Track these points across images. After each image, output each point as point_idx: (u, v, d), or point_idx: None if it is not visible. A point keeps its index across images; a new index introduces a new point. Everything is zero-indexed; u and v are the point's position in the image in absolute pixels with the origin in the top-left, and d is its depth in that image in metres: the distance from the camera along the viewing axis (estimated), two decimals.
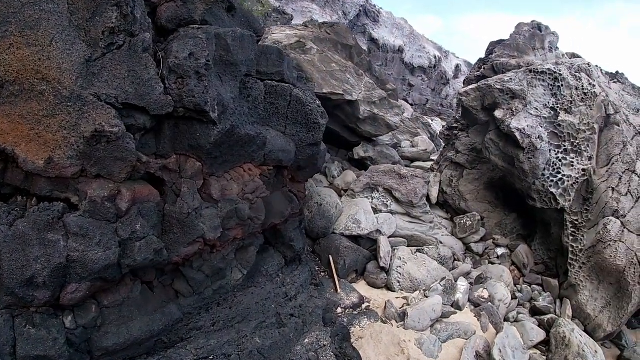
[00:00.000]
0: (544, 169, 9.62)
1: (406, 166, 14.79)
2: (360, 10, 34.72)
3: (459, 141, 11.99)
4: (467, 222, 11.42)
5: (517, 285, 10.56)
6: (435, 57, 36.61)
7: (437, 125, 29.09)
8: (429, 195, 11.99)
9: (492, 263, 11.11)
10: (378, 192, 11.46)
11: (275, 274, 7.25)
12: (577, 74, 10.36)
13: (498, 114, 9.64)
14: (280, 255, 7.47)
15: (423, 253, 10.52)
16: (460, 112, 11.79)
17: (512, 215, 11.79)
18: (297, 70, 11.30)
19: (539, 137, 9.41)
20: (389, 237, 10.77)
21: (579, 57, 13.28)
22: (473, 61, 41.77)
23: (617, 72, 13.20)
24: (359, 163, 13.74)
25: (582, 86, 10.19)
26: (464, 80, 12.99)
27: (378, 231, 10.58)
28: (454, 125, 12.40)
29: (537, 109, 9.88)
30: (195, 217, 5.50)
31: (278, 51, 6.94)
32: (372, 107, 12.66)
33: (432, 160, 15.55)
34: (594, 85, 10.30)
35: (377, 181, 11.54)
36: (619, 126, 10.10)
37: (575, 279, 9.67)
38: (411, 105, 34.44)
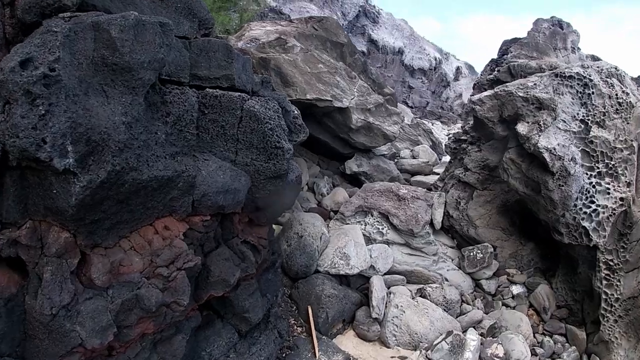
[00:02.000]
0: (577, 199, 7.16)
1: (406, 181, 12.34)
2: (359, 11, 32.29)
3: (468, 157, 9.54)
4: (478, 255, 8.97)
5: (537, 335, 8.14)
6: (435, 59, 34.14)
7: (438, 129, 26.70)
8: (432, 219, 9.54)
9: (507, 305, 8.70)
10: (372, 216, 9.07)
11: (223, 356, 4.86)
12: (608, 80, 7.92)
13: (521, 128, 7.19)
14: (232, 329, 5.06)
15: (425, 297, 8.13)
16: (472, 123, 9.35)
17: (529, 245, 9.35)
18: (276, 73, 8.86)
19: (572, 160, 6.98)
20: (384, 275, 8.38)
21: (599, 59, 10.78)
22: (474, 63, 39.35)
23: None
24: (353, 178, 11.31)
25: (616, 94, 7.75)
26: (474, 84, 10.54)
27: (371, 267, 8.20)
28: (462, 137, 9.95)
29: (565, 122, 7.43)
30: (65, 318, 3.15)
31: (225, 47, 4.58)
32: (367, 115, 10.21)
33: (435, 173, 13.11)
34: (627, 94, 7.83)
35: (371, 203, 9.14)
36: None
37: (609, 334, 7.26)
38: (411, 108, 32.08)
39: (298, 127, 6.18)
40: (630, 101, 7.79)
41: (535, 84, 7.33)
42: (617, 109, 7.68)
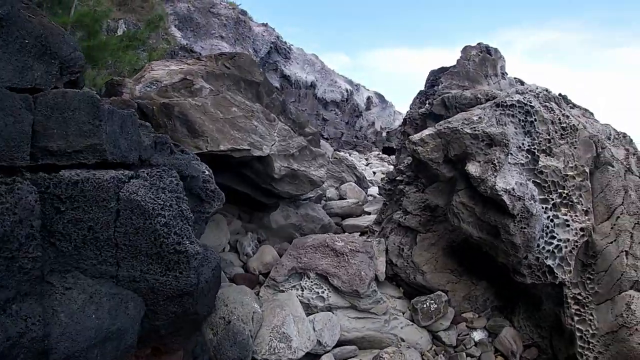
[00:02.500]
0: (539, 238, 6.28)
1: (337, 225, 11.09)
2: (271, 47, 31.47)
3: (406, 199, 8.50)
4: (432, 306, 7.84)
5: None
6: (347, 91, 34.07)
7: (355, 158, 26.14)
8: (375, 272, 8.30)
9: (471, 355, 7.60)
10: (309, 279, 7.68)
11: None
12: (547, 104, 7.29)
13: (473, 169, 6.22)
14: None
15: None
16: (408, 163, 8.36)
17: (482, 284, 8.41)
18: (182, 122, 7.29)
19: (532, 198, 6.10)
20: (332, 349, 6.97)
21: (524, 83, 10.41)
22: (383, 92, 39.90)
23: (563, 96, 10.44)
24: (282, 231, 9.85)
25: (559, 119, 7.12)
26: (405, 120, 9.63)
27: (317, 343, 6.76)
28: (397, 177, 8.92)
29: (512, 155, 6.59)
30: None
31: (89, 102, 3.03)
32: (290, 162, 8.90)
33: (366, 212, 12.02)
34: (567, 117, 7.25)
35: (305, 263, 7.75)
36: (612, 167, 7.06)
37: None
38: (326, 139, 31.49)
39: (210, 195, 4.73)
40: (573, 124, 7.17)
41: (480, 118, 6.45)
42: (561, 134, 7.02)
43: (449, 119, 6.74)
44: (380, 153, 32.28)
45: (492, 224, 6.28)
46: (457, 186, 6.76)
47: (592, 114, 8.23)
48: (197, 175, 4.72)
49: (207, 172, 5.64)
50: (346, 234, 10.62)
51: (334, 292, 7.56)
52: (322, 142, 17.40)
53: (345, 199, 12.52)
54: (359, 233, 10.44)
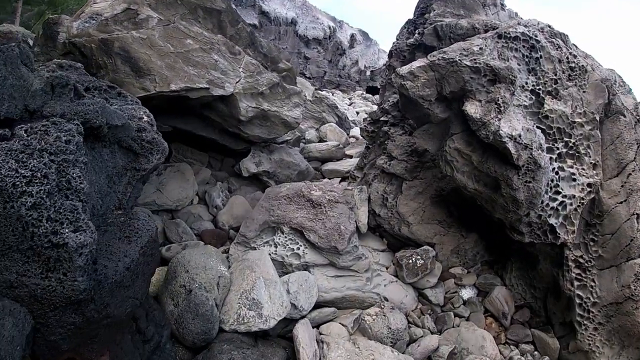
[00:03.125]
0: (544, 193, 5.27)
1: (316, 171, 9.98)
2: None
3: (391, 142, 7.36)
4: (418, 262, 6.96)
5: (502, 349, 6.37)
6: (329, 28, 31.97)
7: (339, 98, 24.73)
8: (356, 223, 7.32)
9: (460, 316, 6.83)
10: (283, 234, 6.68)
11: None
12: (553, 40, 6.07)
13: (472, 110, 5.05)
14: None
15: (365, 331, 6.04)
16: (394, 102, 7.15)
17: (472, 236, 7.53)
18: (124, 59, 5.96)
19: (539, 147, 5.00)
20: (309, 312, 6.10)
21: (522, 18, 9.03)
22: (368, 30, 37.68)
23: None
24: (255, 179, 8.73)
25: (567, 58, 5.93)
26: (391, 52, 8.26)
27: (292, 306, 5.85)
28: (382, 118, 7.72)
29: (515, 95, 5.42)
30: None
31: None
32: (260, 101, 7.62)
33: (348, 156, 10.90)
34: (575, 56, 6.04)
35: (279, 216, 6.72)
36: (624, 116, 5.95)
37: (589, 344, 5.63)
38: (308, 79, 29.79)
39: (147, 146, 3.55)
40: (582, 65, 5.99)
41: (481, 49, 5.20)
42: (569, 75, 5.85)
43: (444, 49, 5.48)
44: (364, 92, 30.72)
45: (492, 176, 5.22)
46: (451, 129, 5.61)
47: (593, 58, 7.00)
48: (124, 123, 3.52)
49: (145, 119, 4.41)
50: (325, 180, 9.55)
51: (310, 249, 6.59)
52: (301, 80, 15.93)
53: (325, 141, 11.34)
54: (340, 179, 9.37)
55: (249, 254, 6.39)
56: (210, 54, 7.08)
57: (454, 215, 7.56)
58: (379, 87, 13.95)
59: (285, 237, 6.65)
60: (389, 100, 7.59)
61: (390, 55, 8.23)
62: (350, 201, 7.16)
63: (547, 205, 5.34)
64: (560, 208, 5.48)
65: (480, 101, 5.08)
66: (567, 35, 6.41)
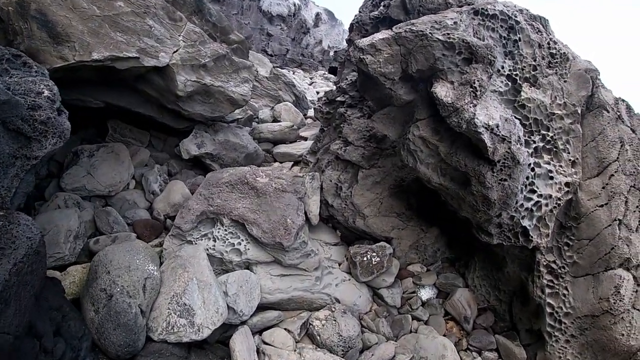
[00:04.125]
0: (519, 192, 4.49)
1: (267, 153, 8.93)
2: None
3: (348, 125, 6.41)
4: (374, 259, 6.12)
5: (462, 352, 5.67)
6: (294, 5, 30.40)
7: (300, 77, 23.61)
8: (307, 212, 6.39)
9: (418, 319, 6.08)
10: (222, 226, 5.69)
11: None
12: (533, 24, 5.25)
13: (442, 92, 4.13)
14: None
15: (314, 337, 5.24)
16: (353, 80, 6.16)
17: (433, 230, 6.77)
18: (41, 23, 4.75)
19: (518, 141, 4.18)
20: (250, 317, 5.18)
21: None
22: (333, 9, 36.33)
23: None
24: (198, 162, 7.61)
25: (547, 43, 5.13)
26: (352, 25, 7.17)
27: (231, 310, 4.93)
28: (338, 98, 6.73)
29: (491, 80, 4.56)
30: None
31: None
32: (202, 74, 6.47)
33: (302, 138, 9.89)
34: (556, 43, 5.26)
35: (219, 206, 5.71)
36: (607, 111, 5.22)
37: (560, 357, 4.99)
38: (270, 56, 28.33)
39: (40, 128, 2.49)
40: (563, 52, 5.21)
41: (455, 23, 4.28)
42: (549, 62, 5.06)
43: (412, 21, 4.52)
44: (326, 73, 29.52)
45: (462, 170, 4.36)
46: (416, 114, 4.69)
47: (570, 48, 6.25)
48: (8, 99, 2.42)
49: (46, 93, 3.28)
50: (276, 164, 8.54)
51: (253, 244, 5.63)
52: (259, 55, 14.65)
53: (279, 121, 10.27)
54: (292, 163, 8.39)
55: (183, 250, 5.38)
56: (144, 18, 5.85)
57: (413, 207, 6.76)
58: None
59: (225, 230, 5.65)
60: (346, 79, 6.59)
61: (351, 28, 7.19)
62: (300, 190, 6.21)
63: (522, 205, 4.56)
64: (535, 209, 4.72)
65: (452, 83, 4.18)
66: (547, 20, 5.61)
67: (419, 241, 6.73)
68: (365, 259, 6.13)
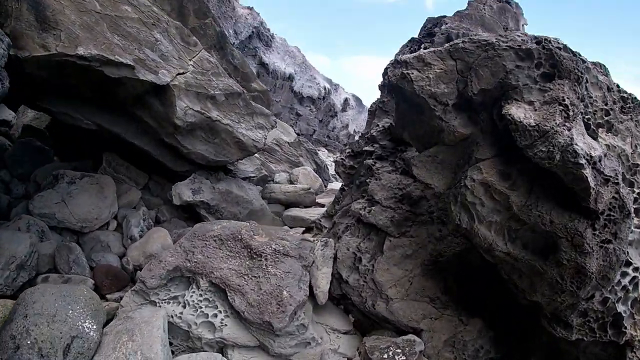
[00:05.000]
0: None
1: (276, 216, 7.56)
2: (252, 32, 27.97)
3: (376, 180, 5.11)
4: (397, 357, 4.47)
5: None
6: (325, 89, 30.95)
7: (324, 155, 23.01)
8: (313, 287, 4.84)
9: None
10: (198, 289, 4.27)
11: None
12: (597, 67, 4.14)
13: (520, 113, 2.82)
14: None
15: None
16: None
17: (475, 322, 5.10)
18: (31, 5, 3.88)
19: (624, 180, 2.80)
20: None
21: None
22: (362, 97, 37.02)
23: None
24: (192, 212, 6.31)
25: (616, 86, 4.01)
26: (385, 70, 6.00)
27: None
28: (365, 148, 5.51)
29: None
30: None
31: None
32: (208, 107, 5.42)
33: (319, 205, 8.56)
34: (618, 86, 4.08)
35: (199, 262, 4.34)
36: None
37: None
38: (297, 134, 28.24)
39: None
40: (634, 96, 4.05)
41: (523, 41, 3.09)
42: (621, 107, 3.85)
43: (475, 37, 3.38)
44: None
45: (544, 230, 2.91)
46: (475, 154, 3.33)
47: None
48: None
49: None
50: (285, 228, 7.15)
51: (233, 319, 4.15)
52: (285, 124, 13.96)
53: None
54: (303, 229, 6.99)
55: (139, 311, 3.94)
56: (151, 30, 4.99)
57: (452, 291, 5.18)
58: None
59: (201, 295, 4.21)
60: (377, 125, 5.41)
61: (385, 73, 6.14)
62: (307, 257, 4.78)
63: (619, 283, 3.03)
64: (631, 288, 3.18)
65: (531, 103, 2.92)
66: (604, 66, 4.51)
67: (457, 335, 5.07)
68: (386, 356, 4.48)
